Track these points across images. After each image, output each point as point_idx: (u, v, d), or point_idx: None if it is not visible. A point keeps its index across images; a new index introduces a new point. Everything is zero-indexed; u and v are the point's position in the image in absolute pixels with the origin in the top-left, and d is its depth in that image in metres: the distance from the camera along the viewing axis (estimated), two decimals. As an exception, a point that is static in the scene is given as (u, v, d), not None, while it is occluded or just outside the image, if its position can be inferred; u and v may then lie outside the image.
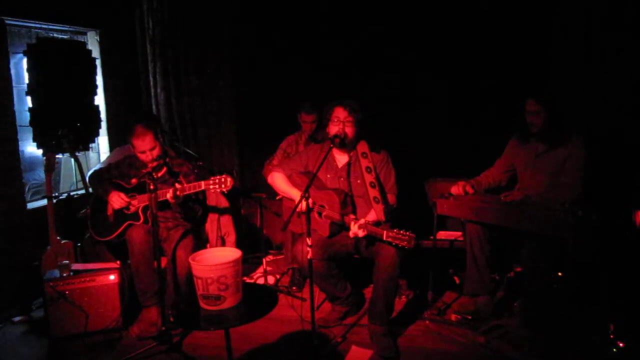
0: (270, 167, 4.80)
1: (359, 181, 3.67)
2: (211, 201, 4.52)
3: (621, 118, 4.01)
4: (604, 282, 3.41)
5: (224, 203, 4.62)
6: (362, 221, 3.40)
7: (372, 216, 3.53)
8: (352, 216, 3.53)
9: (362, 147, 3.69)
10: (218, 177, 3.53)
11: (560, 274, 3.50)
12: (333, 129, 3.58)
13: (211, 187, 3.54)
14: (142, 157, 3.77)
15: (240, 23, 5.37)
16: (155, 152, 3.77)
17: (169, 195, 3.62)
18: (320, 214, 3.64)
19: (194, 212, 4.06)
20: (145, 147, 3.74)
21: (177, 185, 3.64)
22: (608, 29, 4.06)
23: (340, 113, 3.58)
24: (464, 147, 4.68)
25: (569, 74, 4.33)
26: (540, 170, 3.71)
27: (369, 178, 3.55)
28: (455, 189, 3.81)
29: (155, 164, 3.72)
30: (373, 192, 3.50)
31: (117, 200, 3.82)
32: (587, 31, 4.19)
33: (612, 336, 3.13)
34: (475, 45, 4.66)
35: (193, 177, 3.90)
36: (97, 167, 4.57)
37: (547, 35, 4.44)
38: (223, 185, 3.51)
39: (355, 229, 3.39)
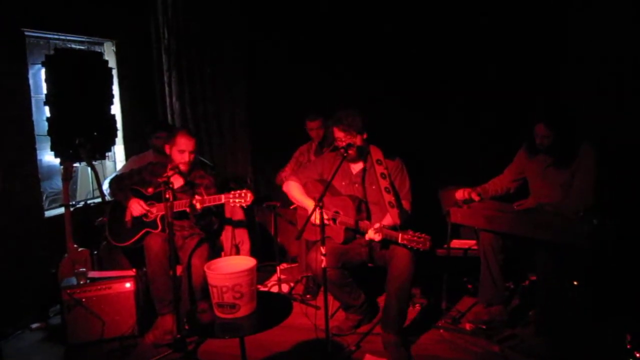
0: (284, 175, 4.84)
1: (373, 187, 3.69)
2: (227, 211, 4.55)
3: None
4: (620, 292, 3.38)
5: (239, 213, 4.65)
6: (377, 225, 3.41)
7: (387, 220, 3.54)
8: (367, 222, 3.55)
9: (376, 154, 3.71)
10: (239, 191, 3.58)
11: (575, 283, 3.48)
12: (340, 146, 3.63)
13: (231, 201, 3.58)
14: (179, 157, 3.84)
15: (255, 32, 5.41)
16: (192, 157, 3.88)
17: (187, 206, 3.67)
18: (334, 220, 3.66)
19: (211, 224, 4.10)
20: (188, 147, 3.84)
21: (198, 197, 3.68)
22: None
23: (338, 134, 3.62)
24: (478, 156, 4.68)
25: (582, 82, 4.32)
26: (551, 181, 3.69)
27: (384, 184, 3.57)
28: (460, 194, 3.81)
29: (187, 167, 3.82)
30: (388, 197, 3.52)
31: (136, 207, 3.87)
32: (601, 38, 4.19)
33: (629, 346, 3.09)
34: (493, 54, 4.65)
35: (214, 189, 3.94)
36: (109, 178, 4.62)
37: (560, 43, 4.42)
38: (243, 201, 3.56)
39: (371, 233, 3.41)
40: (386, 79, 4.97)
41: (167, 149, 3.93)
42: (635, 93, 4.01)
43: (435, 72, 4.83)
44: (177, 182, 3.90)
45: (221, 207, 4.19)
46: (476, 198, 3.79)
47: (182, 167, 3.84)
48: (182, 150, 3.84)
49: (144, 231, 3.89)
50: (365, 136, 3.65)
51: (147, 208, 3.87)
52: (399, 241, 3.32)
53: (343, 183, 3.79)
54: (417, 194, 3.80)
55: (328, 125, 3.70)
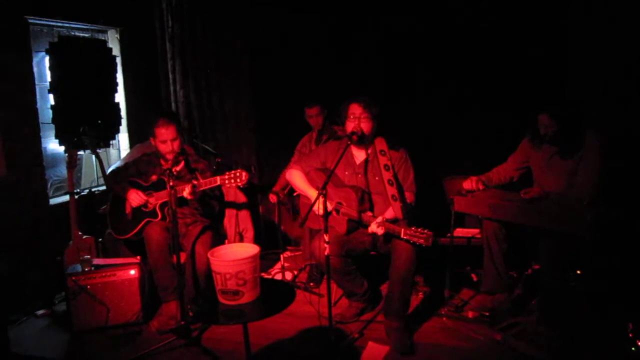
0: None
1: (377, 178, 3.68)
2: (229, 197, 4.55)
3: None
4: (623, 281, 3.38)
5: (242, 199, 4.66)
6: (379, 219, 3.41)
7: (389, 213, 3.53)
8: (370, 213, 3.55)
9: (381, 144, 3.69)
10: (233, 171, 3.57)
11: (578, 272, 3.48)
12: (350, 126, 3.60)
13: (227, 182, 3.57)
14: (163, 147, 3.82)
15: (259, 20, 5.39)
16: (176, 145, 3.84)
17: (185, 192, 3.67)
18: (337, 211, 3.66)
19: (211, 208, 4.10)
20: (168, 136, 3.79)
21: (194, 182, 3.69)
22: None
23: (355, 109, 3.59)
24: (483, 144, 4.66)
25: (588, 74, 4.30)
26: (555, 170, 3.68)
27: (387, 176, 3.56)
28: (468, 184, 3.80)
29: (173, 155, 3.80)
30: (391, 190, 3.51)
31: (135, 198, 3.88)
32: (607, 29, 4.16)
33: (630, 335, 3.11)
34: (495, 44, 4.63)
35: (210, 173, 3.95)
36: (114, 166, 4.63)
37: (564, 36, 4.40)
38: (238, 180, 3.54)
39: (374, 227, 3.41)
40: (390, 70, 4.96)
41: (152, 142, 3.91)
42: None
43: (439, 63, 4.82)
44: (174, 168, 3.91)
45: (219, 191, 4.18)
46: (481, 187, 3.79)
47: (169, 157, 3.81)
48: (163, 140, 3.80)
49: (145, 221, 3.91)
50: (374, 125, 3.64)
51: (146, 198, 3.88)
52: (402, 236, 3.31)
53: (346, 173, 3.79)
54: (422, 183, 3.80)
55: (347, 102, 3.64)
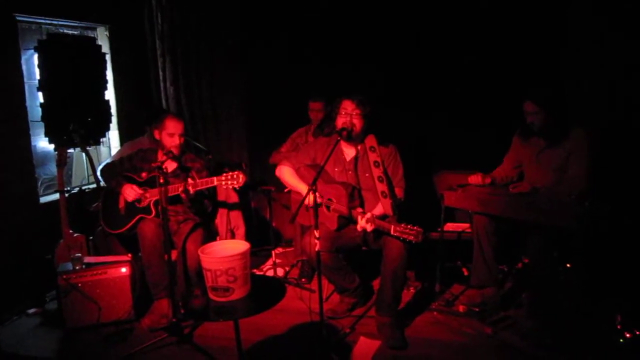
0: (279, 156, 4.85)
1: (367, 175, 3.69)
2: (221, 195, 4.55)
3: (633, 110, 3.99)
4: (611, 273, 3.41)
5: (233, 197, 4.65)
6: (368, 215, 3.42)
7: (378, 210, 3.54)
8: (360, 210, 3.56)
9: (371, 141, 3.70)
10: (230, 173, 3.58)
11: (567, 265, 3.51)
12: (340, 122, 3.60)
13: (223, 183, 3.58)
14: (169, 140, 3.85)
15: (250, 16, 5.37)
16: (182, 140, 3.90)
17: (180, 190, 3.67)
18: (328, 208, 3.67)
19: (204, 206, 4.10)
20: (177, 130, 3.86)
21: (190, 181, 3.69)
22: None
23: (348, 105, 3.60)
24: (472, 139, 4.68)
25: (578, 67, 4.31)
26: (545, 165, 3.70)
27: (377, 172, 3.57)
28: (474, 179, 3.82)
29: (178, 150, 3.85)
30: (381, 187, 3.52)
31: (130, 192, 3.87)
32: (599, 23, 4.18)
33: (619, 327, 3.14)
34: (485, 38, 4.64)
35: (205, 172, 3.95)
36: (109, 160, 4.62)
37: (558, 29, 4.41)
38: (235, 182, 3.56)
39: (363, 223, 3.41)
40: (383, 64, 4.97)
41: (156, 134, 3.93)
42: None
43: (433, 56, 4.83)
44: (170, 166, 3.91)
45: (213, 190, 4.20)
46: (488, 181, 3.81)
47: (174, 151, 3.84)
48: (171, 133, 3.85)
49: (137, 217, 3.90)
50: (366, 123, 3.64)
51: (141, 192, 3.88)
52: (392, 233, 3.31)
53: (336, 169, 3.79)
54: (411, 178, 3.80)
55: (340, 98, 3.66)
